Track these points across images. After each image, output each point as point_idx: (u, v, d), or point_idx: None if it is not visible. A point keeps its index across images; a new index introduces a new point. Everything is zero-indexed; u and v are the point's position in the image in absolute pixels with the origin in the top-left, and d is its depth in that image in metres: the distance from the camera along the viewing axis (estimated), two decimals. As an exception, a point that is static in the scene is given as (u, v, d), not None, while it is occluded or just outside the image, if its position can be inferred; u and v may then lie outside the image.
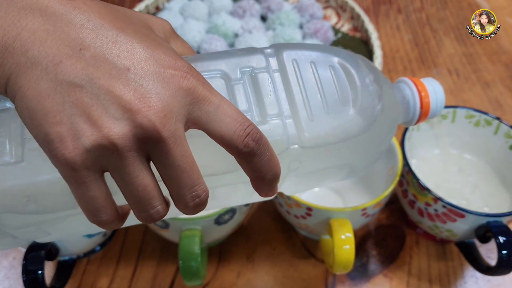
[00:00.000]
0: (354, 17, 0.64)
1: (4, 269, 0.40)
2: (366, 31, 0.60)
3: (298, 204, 0.34)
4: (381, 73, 0.28)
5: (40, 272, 0.33)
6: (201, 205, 0.20)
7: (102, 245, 0.41)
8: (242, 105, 0.23)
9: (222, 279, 0.39)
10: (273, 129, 0.23)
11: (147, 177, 0.19)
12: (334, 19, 0.65)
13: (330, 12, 0.66)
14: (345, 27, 0.63)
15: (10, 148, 0.21)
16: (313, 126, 0.23)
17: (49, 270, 0.39)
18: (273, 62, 0.25)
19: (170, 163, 0.19)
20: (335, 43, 0.59)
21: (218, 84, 0.23)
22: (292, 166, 0.24)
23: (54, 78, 0.17)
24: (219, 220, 0.34)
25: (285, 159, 0.23)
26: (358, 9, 0.63)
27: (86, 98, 0.18)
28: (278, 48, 0.25)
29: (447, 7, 0.69)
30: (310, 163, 0.24)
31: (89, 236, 0.37)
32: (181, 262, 0.32)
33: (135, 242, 0.42)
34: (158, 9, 0.66)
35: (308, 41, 0.56)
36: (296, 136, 0.23)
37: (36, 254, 0.34)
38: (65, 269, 0.39)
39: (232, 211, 0.34)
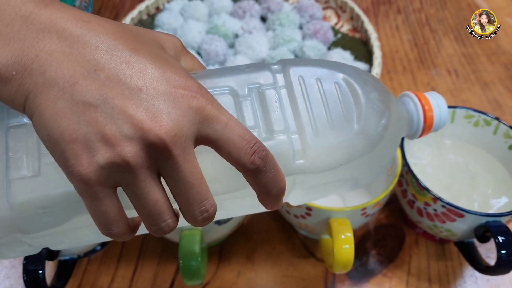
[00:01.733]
0: (353, 18, 0.64)
1: (5, 268, 0.40)
2: (365, 31, 0.60)
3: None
4: (386, 88, 0.28)
5: (40, 271, 0.33)
6: (209, 218, 0.21)
7: (103, 244, 0.41)
8: (249, 121, 0.24)
9: (222, 279, 0.39)
10: (279, 144, 0.24)
11: (158, 193, 0.20)
12: (333, 20, 0.65)
13: (329, 13, 0.66)
14: (345, 28, 0.63)
15: (27, 162, 0.22)
16: (319, 142, 0.24)
17: (49, 269, 0.39)
18: (280, 78, 0.25)
19: (180, 179, 0.20)
20: (335, 44, 0.59)
21: (226, 101, 0.24)
22: (298, 180, 0.25)
23: (70, 98, 0.18)
24: (219, 220, 0.34)
25: (291, 173, 0.24)
26: (358, 10, 0.63)
27: (100, 117, 0.18)
28: (285, 64, 0.26)
29: (446, 8, 0.69)
30: (315, 177, 0.25)
31: (90, 235, 0.37)
32: (181, 261, 0.32)
33: (136, 241, 0.42)
34: (158, 9, 0.66)
35: (308, 41, 0.56)
36: (301, 152, 0.24)
37: (37, 254, 0.33)
38: (66, 268, 0.39)
39: (232, 211, 0.34)
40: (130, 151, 0.19)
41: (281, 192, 0.22)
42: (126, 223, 0.21)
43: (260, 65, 0.26)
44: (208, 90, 0.22)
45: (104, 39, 0.19)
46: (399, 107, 0.29)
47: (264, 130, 0.24)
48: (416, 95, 0.29)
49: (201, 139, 0.20)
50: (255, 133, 0.23)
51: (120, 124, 0.19)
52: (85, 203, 0.20)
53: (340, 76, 0.26)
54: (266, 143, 0.22)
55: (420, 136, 0.30)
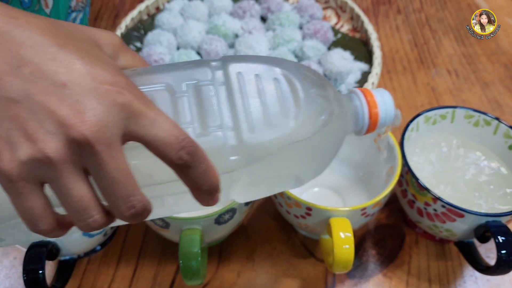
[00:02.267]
0: (353, 18, 0.64)
1: (5, 268, 0.40)
2: (365, 31, 0.60)
3: (298, 204, 0.34)
4: (330, 85, 0.29)
5: (40, 271, 0.33)
6: (138, 215, 0.21)
7: (103, 244, 0.41)
8: (185, 118, 0.24)
9: (222, 279, 0.39)
10: (214, 140, 0.24)
11: (84, 188, 0.20)
12: (333, 20, 0.65)
13: (329, 13, 0.66)
14: (345, 28, 0.63)
15: None
16: (253, 138, 0.24)
17: (49, 269, 0.39)
18: (219, 75, 0.25)
19: (104, 175, 0.20)
20: (335, 44, 0.59)
21: (162, 97, 0.24)
22: (235, 177, 0.25)
23: None
24: (219, 219, 0.34)
25: (226, 170, 0.24)
26: (358, 10, 0.63)
27: (22, 113, 0.19)
28: (225, 60, 0.26)
29: (446, 8, 0.69)
30: (252, 173, 0.25)
31: (90, 235, 0.37)
32: (181, 261, 0.32)
33: (136, 241, 0.42)
34: (158, 9, 0.66)
35: (308, 41, 0.56)
36: (236, 148, 0.24)
37: (37, 254, 0.34)
38: (66, 268, 0.39)
39: (232, 210, 0.34)
40: (52, 147, 0.19)
41: (213, 188, 0.22)
42: (53, 220, 0.21)
43: (200, 62, 0.26)
44: (144, 87, 0.23)
45: (30, 35, 0.20)
46: (345, 104, 0.29)
47: (199, 126, 0.24)
48: (362, 92, 0.29)
49: (129, 135, 0.20)
50: (189, 129, 0.23)
51: (42, 120, 0.19)
52: (10, 199, 0.20)
53: (280, 72, 0.26)
54: (200, 139, 0.23)
55: (367, 132, 0.30)
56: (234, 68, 0.26)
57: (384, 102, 0.29)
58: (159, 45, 0.57)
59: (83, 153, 0.19)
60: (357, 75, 0.56)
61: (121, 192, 0.20)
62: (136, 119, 0.20)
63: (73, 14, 0.47)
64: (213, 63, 0.26)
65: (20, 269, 0.39)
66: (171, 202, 0.26)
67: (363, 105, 0.29)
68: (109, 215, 0.21)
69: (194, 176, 0.21)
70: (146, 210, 0.21)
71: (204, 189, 0.22)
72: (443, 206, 0.35)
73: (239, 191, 0.26)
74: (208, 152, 0.22)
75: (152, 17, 0.64)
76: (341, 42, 0.60)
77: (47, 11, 0.43)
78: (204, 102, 0.24)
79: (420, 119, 0.41)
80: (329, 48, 0.59)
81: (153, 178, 0.23)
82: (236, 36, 0.59)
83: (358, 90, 0.29)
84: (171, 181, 0.22)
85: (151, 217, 0.26)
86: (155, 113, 0.21)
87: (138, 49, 0.60)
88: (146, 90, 0.24)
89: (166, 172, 0.22)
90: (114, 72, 0.21)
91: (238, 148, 0.24)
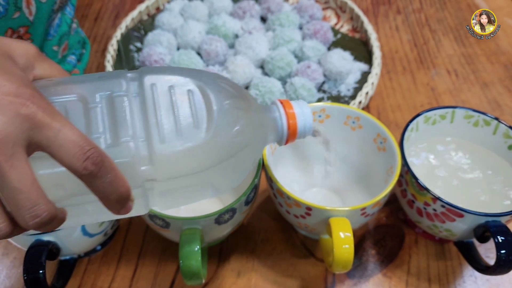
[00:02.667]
0: (353, 18, 0.64)
1: (5, 268, 0.40)
2: (365, 31, 0.60)
3: (297, 203, 0.35)
4: (249, 97, 0.29)
5: (41, 271, 0.33)
6: (44, 224, 0.21)
7: (103, 244, 0.41)
8: (96, 128, 0.24)
9: (222, 278, 0.39)
10: (125, 151, 0.24)
11: None
12: (333, 20, 0.65)
13: (329, 13, 0.66)
14: (345, 28, 0.64)
15: None
16: (164, 149, 0.25)
17: (50, 269, 0.39)
18: (134, 86, 0.26)
19: (7, 185, 0.20)
20: (335, 44, 0.59)
21: (74, 108, 0.24)
22: (147, 186, 0.25)
23: None
24: (219, 219, 0.34)
25: (138, 179, 0.25)
26: (358, 10, 0.63)
27: None
28: (142, 72, 0.27)
29: (446, 8, 0.69)
30: (165, 183, 0.26)
31: (90, 235, 0.37)
32: (181, 261, 0.32)
33: (136, 241, 0.42)
34: (158, 9, 0.66)
35: (308, 41, 0.56)
36: (147, 158, 0.24)
37: (37, 254, 0.34)
38: (66, 268, 0.39)
39: (232, 210, 0.34)
40: None
41: (122, 197, 0.23)
42: None
43: (116, 73, 0.27)
44: (57, 97, 0.23)
45: None
46: (265, 115, 0.30)
47: (110, 137, 0.24)
48: (282, 103, 0.30)
49: (34, 146, 0.21)
50: (101, 140, 0.24)
51: None
52: None
53: (195, 84, 0.27)
54: (111, 150, 0.23)
55: (287, 142, 0.31)
56: (149, 79, 0.26)
57: (303, 114, 0.30)
58: (159, 46, 0.57)
59: None
60: (356, 75, 0.56)
61: (24, 202, 0.20)
62: (41, 130, 0.21)
63: (53, 15, 0.48)
64: (129, 75, 0.27)
65: (20, 269, 0.40)
66: (91, 209, 0.26)
67: (282, 116, 0.30)
68: (16, 224, 0.22)
69: (101, 186, 0.22)
70: (55, 219, 0.22)
71: (112, 198, 0.23)
72: (443, 206, 0.35)
73: (157, 200, 0.27)
74: (119, 162, 0.23)
75: (152, 17, 0.64)
76: (341, 42, 0.60)
77: (31, 18, 0.43)
78: (117, 113, 0.25)
79: (420, 119, 0.41)
80: (329, 49, 0.59)
81: (66, 187, 0.24)
82: (236, 36, 0.59)
83: (278, 102, 0.31)
84: (84, 189, 0.23)
85: (73, 224, 0.27)
86: (60, 124, 0.21)
87: (138, 49, 0.60)
88: (58, 100, 0.24)
89: (77, 181, 0.22)
90: (20, 84, 0.21)
91: (149, 158, 0.24)
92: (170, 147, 0.25)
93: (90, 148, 0.21)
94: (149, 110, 0.25)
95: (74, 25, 0.54)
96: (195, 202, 0.29)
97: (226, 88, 0.28)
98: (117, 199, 0.23)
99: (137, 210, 0.27)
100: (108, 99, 0.25)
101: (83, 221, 0.28)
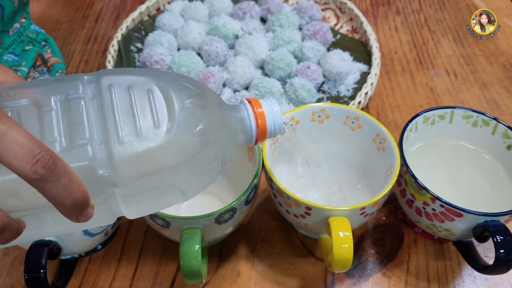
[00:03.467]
0: (353, 19, 0.64)
1: (6, 267, 0.40)
2: (364, 32, 0.60)
3: (297, 203, 0.35)
4: (214, 95, 0.29)
5: (42, 270, 0.33)
6: None
7: (104, 244, 0.41)
8: (51, 133, 0.23)
9: (222, 278, 0.40)
10: (81, 154, 0.23)
11: None
12: (333, 21, 0.65)
13: (329, 14, 0.66)
14: (344, 29, 0.64)
15: None
16: (123, 150, 0.24)
17: (51, 268, 0.39)
18: (91, 88, 0.25)
19: None
20: (334, 45, 0.60)
21: (27, 112, 0.24)
22: (109, 191, 0.24)
23: None
24: (219, 219, 0.34)
25: (98, 184, 0.24)
26: (357, 11, 0.63)
27: None
28: (99, 75, 0.26)
29: (445, 9, 0.69)
30: (127, 186, 0.24)
31: (91, 235, 0.38)
32: (181, 261, 0.32)
33: (137, 241, 0.42)
34: (159, 10, 0.66)
35: (308, 42, 0.57)
36: (105, 161, 0.23)
37: (38, 253, 0.34)
38: (67, 268, 0.39)
39: (232, 210, 0.34)
40: None
41: (78, 202, 0.22)
42: None
43: (72, 77, 0.26)
44: (9, 102, 0.22)
45: None
46: (233, 114, 0.29)
47: (66, 141, 0.23)
48: (250, 102, 0.30)
49: None
50: (55, 145, 0.23)
51: None
52: None
53: (155, 83, 0.26)
54: (66, 153, 0.22)
55: (256, 142, 0.30)
56: (107, 80, 0.26)
57: (272, 112, 0.29)
58: (159, 46, 0.57)
59: None
60: (356, 76, 0.56)
61: None
62: None
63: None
64: (86, 77, 0.26)
65: (21, 268, 0.40)
66: (51, 220, 0.25)
67: (250, 116, 0.29)
68: None
69: (54, 190, 0.21)
70: (7, 229, 0.21)
71: (67, 204, 0.21)
72: (442, 206, 0.35)
73: (123, 206, 0.26)
74: (76, 167, 0.22)
75: (152, 18, 0.64)
76: (340, 43, 0.60)
77: None
78: (73, 116, 0.24)
79: (419, 119, 0.41)
80: (328, 49, 0.59)
81: (21, 195, 0.23)
82: (236, 37, 0.59)
83: (246, 101, 0.30)
84: (41, 197, 0.22)
85: (34, 237, 0.26)
86: (7, 127, 0.20)
87: (139, 50, 0.60)
88: (10, 105, 0.24)
89: (32, 188, 0.21)
90: None
91: (108, 161, 0.23)
92: (129, 148, 0.24)
93: (40, 151, 0.20)
94: (107, 111, 0.24)
95: (17, 25, 0.54)
96: (164, 208, 0.28)
97: (188, 87, 0.27)
98: (73, 205, 0.22)
99: (101, 218, 0.26)
100: (63, 102, 0.24)
101: (45, 233, 0.26)
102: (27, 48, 0.56)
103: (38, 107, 0.24)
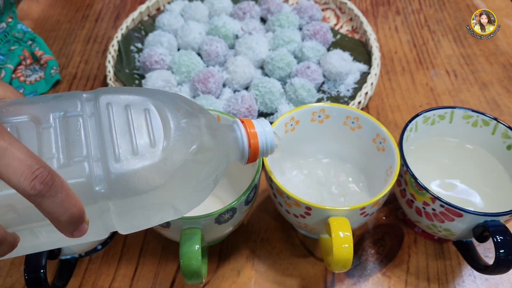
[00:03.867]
0: (353, 19, 0.64)
1: (6, 267, 0.40)
2: (364, 32, 0.60)
3: (297, 203, 0.35)
4: (208, 114, 0.29)
5: (42, 270, 0.33)
6: None
7: (104, 244, 0.42)
8: (49, 149, 0.24)
9: (222, 278, 0.40)
10: (77, 171, 0.24)
11: None
12: (333, 21, 0.65)
13: (329, 14, 0.66)
14: (344, 29, 0.64)
15: None
16: (119, 168, 0.24)
17: (51, 269, 0.39)
18: (89, 106, 0.26)
19: None
20: (334, 45, 0.60)
21: (26, 128, 0.24)
22: (104, 207, 0.25)
23: None
24: (219, 219, 0.34)
25: (94, 200, 0.24)
26: (357, 11, 0.63)
27: None
28: (98, 93, 0.27)
29: (445, 9, 0.69)
30: (122, 203, 0.25)
31: (91, 235, 0.38)
32: (181, 261, 0.32)
33: (137, 241, 0.42)
34: (159, 10, 0.66)
35: (307, 42, 0.57)
36: (101, 178, 0.24)
37: (38, 253, 0.34)
38: (67, 268, 0.39)
39: (232, 210, 0.34)
40: None
41: (74, 218, 0.22)
42: None
43: (71, 94, 0.27)
44: (8, 118, 0.23)
45: None
46: (226, 134, 0.30)
47: (63, 158, 0.24)
48: (243, 122, 0.30)
49: None
50: (53, 161, 0.23)
51: None
52: None
53: (151, 102, 0.27)
54: (63, 170, 0.23)
55: (248, 162, 0.31)
56: (105, 99, 0.26)
57: (264, 133, 0.30)
58: (159, 46, 0.57)
59: None
60: (356, 76, 0.56)
61: None
62: None
63: None
64: (85, 95, 0.27)
65: (21, 268, 0.40)
66: (46, 234, 0.25)
67: (243, 136, 0.30)
68: None
69: (51, 206, 0.21)
70: (4, 242, 0.21)
71: (63, 219, 0.22)
72: (442, 206, 0.35)
73: (116, 222, 0.26)
74: (73, 183, 0.23)
75: (152, 18, 0.65)
76: (340, 43, 0.60)
77: None
78: (71, 133, 0.25)
79: (419, 119, 0.41)
80: (328, 49, 0.59)
81: (17, 209, 0.23)
82: (236, 37, 0.59)
83: (239, 121, 0.31)
84: (36, 212, 0.22)
85: (27, 251, 0.26)
86: (7, 143, 0.21)
87: (139, 50, 0.60)
88: (9, 121, 0.24)
89: (28, 203, 0.21)
90: None
91: (104, 178, 0.24)
92: (125, 166, 0.24)
93: (39, 167, 0.21)
94: (104, 129, 0.25)
95: (3, 25, 0.55)
96: (157, 224, 0.28)
97: (184, 107, 0.28)
98: (69, 220, 0.22)
99: (94, 233, 0.26)
100: (62, 119, 0.25)
101: (39, 247, 0.27)
102: (13, 48, 0.57)
103: (37, 124, 0.25)
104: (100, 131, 0.25)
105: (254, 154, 0.31)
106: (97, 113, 0.26)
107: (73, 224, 0.22)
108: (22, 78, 0.55)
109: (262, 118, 0.32)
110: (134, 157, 0.25)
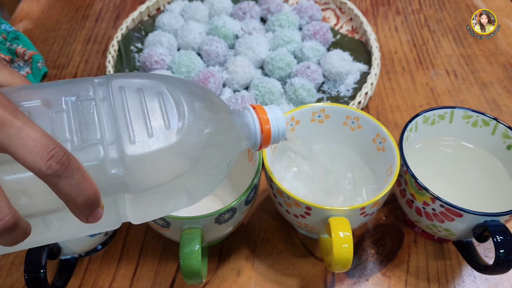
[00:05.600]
0: (353, 19, 0.64)
1: (6, 267, 0.40)
2: (364, 32, 0.60)
3: (297, 203, 0.35)
4: (219, 99, 0.29)
5: (42, 270, 0.33)
6: (6, 230, 0.20)
7: (104, 244, 0.42)
8: (63, 132, 0.23)
9: (222, 278, 0.40)
10: (92, 154, 0.23)
11: None
12: (333, 21, 0.65)
13: (329, 14, 0.66)
14: (344, 29, 0.64)
15: None
16: (135, 150, 0.24)
17: (51, 269, 0.39)
18: (102, 90, 0.26)
19: None
20: (334, 45, 0.60)
21: (39, 112, 0.24)
22: (119, 192, 0.24)
23: None
24: (219, 219, 0.34)
25: (108, 184, 0.24)
26: (357, 11, 0.63)
27: None
28: (109, 78, 0.26)
29: (445, 9, 0.69)
30: (137, 188, 0.25)
31: (91, 235, 0.38)
32: (181, 261, 0.32)
33: (137, 241, 0.42)
34: (159, 10, 0.66)
35: (307, 42, 0.57)
36: (117, 160, 0.24)
37: (38, 253, 0.34)
38: (67, 267, 0.39)
39: (232, 210, 0.34)
40: None
41: (89, 200, 0.21)
42: None
43: (82, 79, 0.26)
44: (21, 102, 0.23)
45: None
46: (238, 120, 0.30)
47: (78, 140, 0.23)
48: (254, 108, 0.30)
49: None
50: (67, 144, 0.23)
51: None
52: None
53: (164, 86, 0.26)
54: (77, 153, 0.22)
55: (260, 148, 0.31)
56: (117, 83, 0.26)
57: (276, 118, 0.30)
58: (159, 46, 0.57)
59: None
60: (356, 76, 0.56)
61: None
62: (1, 128, 0.20)
63: None
64: (96, 80, 0.26)
65: (21, 268, 0.40)
66: (57, 224, 0.25)
67: (255, 122, 0.30)
68: None
69: (67, 187, 0.21)
70: (18, 227, 0.21)
71: (79, 201, 0.21)
72: (442, 206, 0.35)
73: (129, 209, 0.26)
74: (88, 166, 0.22)
75: (152, 18, 0.65)
76: (340, 43, 0.60)
77: None
78: (84, 117, 0.24)
79: (419, 119, 0.41)
80: (328, 49, 0.59)
81: (30, 195, 0.23)
82: (236, 37, 0.59)
83: (250, 107, 0.30)
84: (49, 199, 0.22)
85: (38, 242, 0.25)
86: (22, 122, 0.20)
87: (139, 50, 0.60)
88: (21, 105, 0.24)
89: (42, 188, 0.21)
90: None
91: (119, 161, 0.23)
92: (141, 148, 0.24)
93: (55, 147, 0.20)
94: (118, 112, 0.25)
95: None
96: (170, 212, 0.28)
97: (195, 91, 0.27)
98: (85, 203, 0.21)
99: (107, 222, 0.26)
100: (74, 103, 0.25)
101: (49, 238, 0.26)
102: None
103: (50, 108, 0.24)
104: (113, 115, 0.25)
105: (266, 140, 0.30)
106: (110, 97, 0.25)
107: (88, 207, 0.22)
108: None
109: (274, 105, 0.31)
110: (149, 140, 0.24)
